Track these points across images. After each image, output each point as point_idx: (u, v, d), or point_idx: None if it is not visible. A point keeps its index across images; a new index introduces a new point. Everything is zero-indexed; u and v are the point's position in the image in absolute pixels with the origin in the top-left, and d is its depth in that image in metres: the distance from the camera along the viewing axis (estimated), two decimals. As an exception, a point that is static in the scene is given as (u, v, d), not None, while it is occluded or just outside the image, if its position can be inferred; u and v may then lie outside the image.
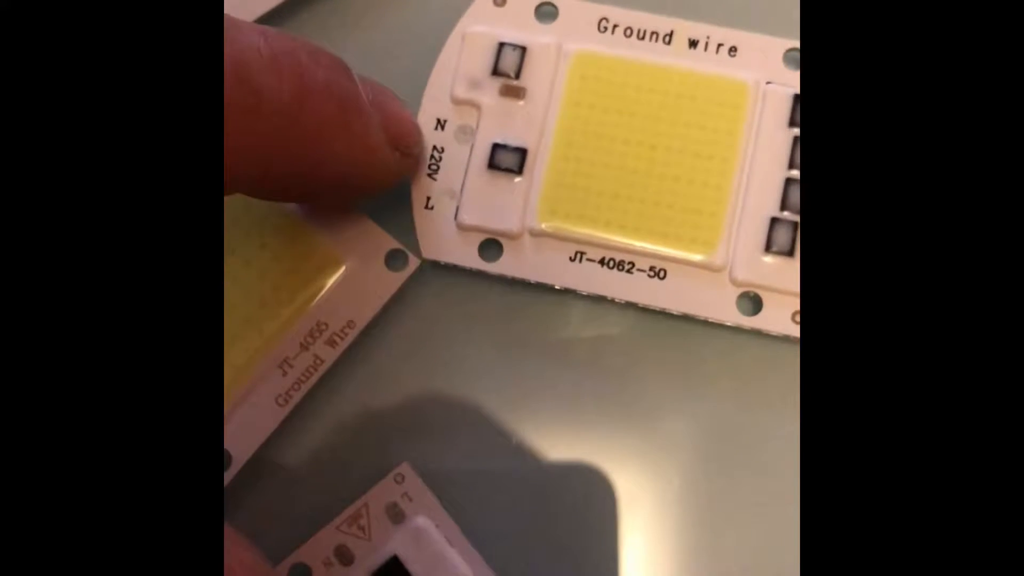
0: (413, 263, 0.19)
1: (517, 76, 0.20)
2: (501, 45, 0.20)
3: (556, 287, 0.19)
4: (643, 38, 0.20)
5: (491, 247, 0.19)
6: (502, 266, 0.19)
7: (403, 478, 0.19)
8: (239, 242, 0.19)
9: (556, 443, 0.19)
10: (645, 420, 0.19)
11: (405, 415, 0.19)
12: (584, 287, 0.19)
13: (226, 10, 0.19)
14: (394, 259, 0.19)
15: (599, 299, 0.19)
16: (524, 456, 0.19)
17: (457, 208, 0.19)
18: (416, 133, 0.19)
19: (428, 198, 0.19)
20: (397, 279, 0.19)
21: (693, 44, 0.20)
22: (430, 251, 0.19)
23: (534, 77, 0.20)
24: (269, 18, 0.20)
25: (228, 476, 0.18)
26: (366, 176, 0.18)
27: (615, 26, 0.20)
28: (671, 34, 0.20)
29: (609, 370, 0.19)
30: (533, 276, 0.19)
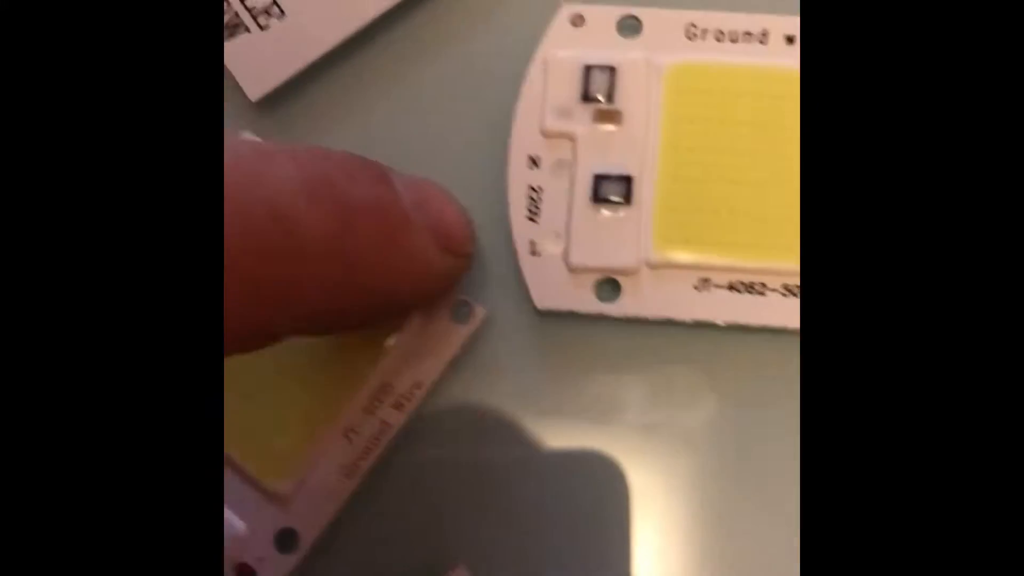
0: (479, 315, 0.18)
1: (610, 99, 0.18)
2: (588, 68, 0.18)
3: (687, 321, 0.18)
4: (736, 40, 0.18)
5: (607, 287, 0.18)
6: (622, 307, 0.18)
7: None
8: None
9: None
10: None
11: (464, 499, 0.18)
12: (715, 317, 0.18)
13: (294, 45, 0.18)
14: (459, 312, 0.18)
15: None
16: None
17: (566, 249, 0.18)
18: (466, 230, 0.17)
19: (532, 242, 0.18)
20: (462, 332, 0.18)
21: (790, 40, 0.18)
22: (543, 300, 0.18)
23: (628, 98, 0.18)
24: (338, 52, 0.19)
25: (296, 557, 0.17)
26: (417, 291, 0.16)
27: (704, 31, 0.18)
28: (765, 32, 0.18)
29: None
30: (657, 312, 0.18)
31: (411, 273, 0.15)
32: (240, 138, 0.14)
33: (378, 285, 0.15)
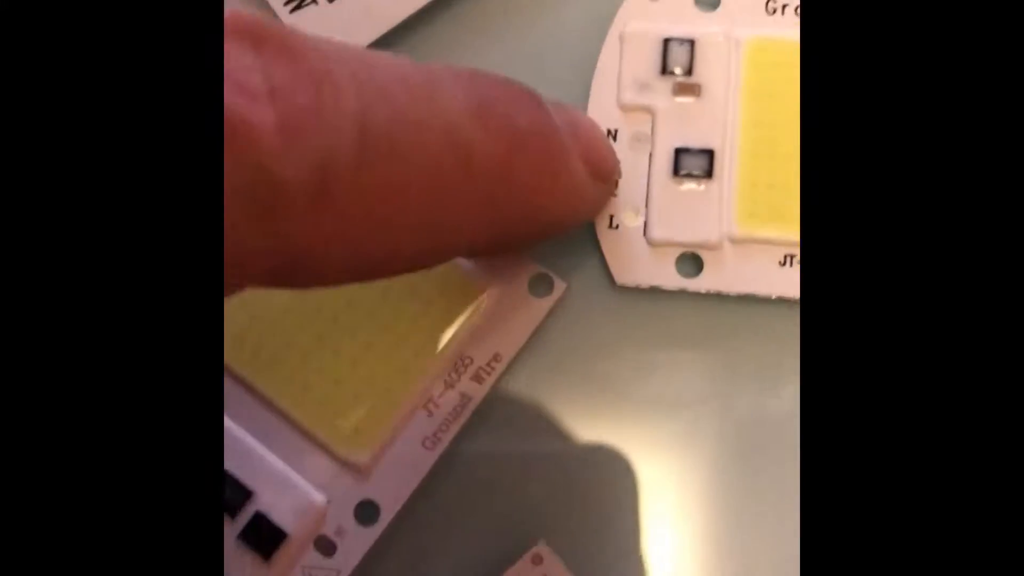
0: (559, 288, 0.18)
1: (689, 72, 0.18)
2: (667, 41, 0.18)
3: (771, 296, 0.17)
4: (816, 15, 0.18)
5: (688, 262, 0.18)
6: (704, 282, 0.18)
7: (541, 559, 0.17)
8: None
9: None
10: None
11: (547, 475, 0.18)
12: (799, 294, 0.17)
13: (362, 18, 0.18)
14: (538, 285, 0.18)
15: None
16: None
17: (645, 224, 0.18)
18: (613, 156, 0.17)
19: (611, 217, 0.18)
20: (543, 306, 0.18)
21: (870, 15, 0.18)
22: (623, 275, 0.18)
23: (708, 71, 0.18)
24: (404, 26, 0.19)
25: (378, 528, 0.17)
26: (572, 218, 0.16)
27: (784, 6, 0.18)
28: (845, 7, 0.18)
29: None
30: (740, 288, 0.17)
31: (568, 198, 0.15)
32: (400, 56, 0.13)
33: (539, 209, 0.15)
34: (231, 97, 0.11)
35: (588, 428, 0.18)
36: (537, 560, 0.17)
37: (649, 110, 0.18)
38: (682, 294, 0.18)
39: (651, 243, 0.18)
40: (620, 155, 0.18)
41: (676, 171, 0.18)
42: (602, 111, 0.18)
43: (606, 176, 0.16)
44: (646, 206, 0.18)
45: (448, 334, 0.18)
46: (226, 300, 0.12)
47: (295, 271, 0.13)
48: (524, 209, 0.15)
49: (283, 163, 0.11)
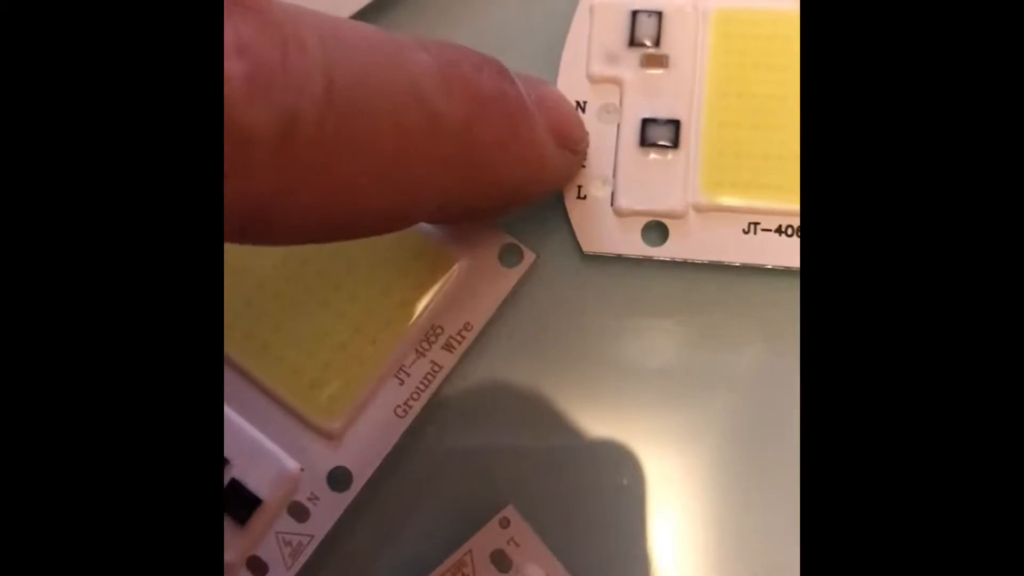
0: (528, 259, 0.18)
1: (657, 44, 0.18)
2: (635, 13, 0.18)
3: (735, 264, 0.18)
4: (782, -14, 0.18)
5: (654, 230, 0.18)
6: (669, 250, 0.18)
7: (508, 522, 0.17)
8: (343, 244, 0.18)
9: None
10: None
11: (517, 441, 0.18)
12: (764, 260, 0.18)
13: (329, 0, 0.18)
14: (508, 255, 0.18)
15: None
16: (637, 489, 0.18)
17: (613, 193, 0.18)
18: (581, 126, 0.17)
19: (579, 187, 0.18)
20: (512, 276, 0.18)
21: (837, -15, 0.18)
22: (590, 244, 0.18)
23: (675, 42, 0.18)
24: (380, 2, 0.19)
25: (350, 494, 0.17)
26: (538, 186, 0.17)
27: (751, -23, 0.18)
28: (812, -23, 0.18)
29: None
30: (704, 256, 0.18)
31: (532, 164, 0.16)
32: (370, 25, 0.14)
33: (502, 174, 0.15)
34: None
35: (557, 394, 0.18)
36: (504, 523, 0.17)
37: (617, 81, 0.18)
38: (649, 262, 0.18)
39: (618, 213, 0.18)
40: (589, 127, 0.18)
41: (643, 141, 0.18)
42: (572, 83, 0.18)
43: (572, 146, 0.17)
44: (613, 176, 0.18)
45: (420, 304, 0.18)
46: None
47: (259, 224, 0.13)
48: (487, 173, 0.15)
49: (249, 114, 0.11)
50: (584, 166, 0.18)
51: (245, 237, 0.13)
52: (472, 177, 0.15)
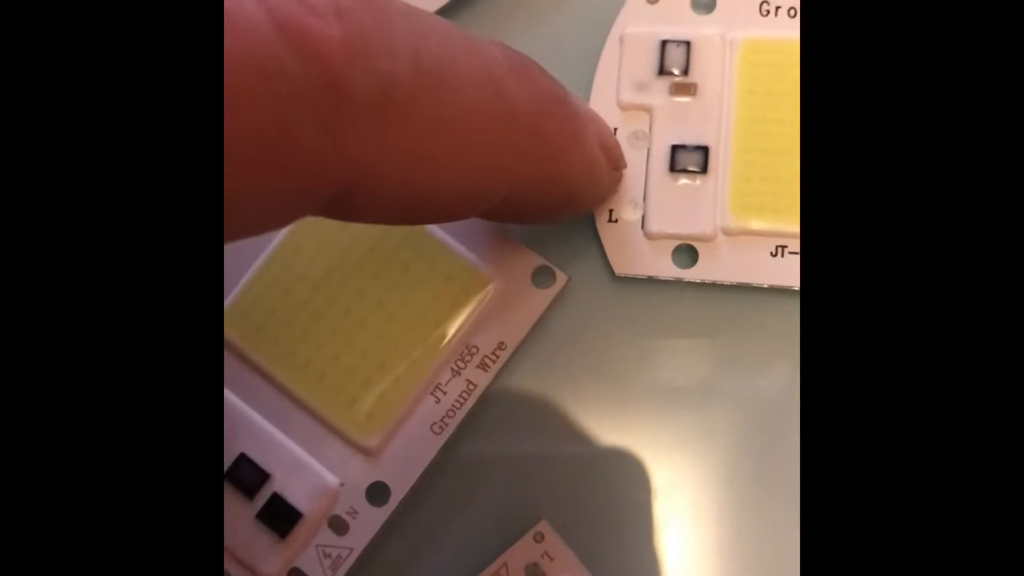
0: (560, 280, 0.19)
1: (685, 72, 0.19)
2: (664, 43, 0.19)
3: (763, 286, 0.18)
4: (807, 16, 0.19)
5: (684, 253, 0.18)
6: (699, 272, 0.18)
7: (542, 537, 0.18)
8: (381, 267, 0.19)
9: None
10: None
11: (550, 458, 0.18)
12: (790, 282, 0.18)
13: None
14: (541, 276, 0.19)
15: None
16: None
17: (643, 217, 0.18)
18: (619, 146, 0.18)
19: (611, 211, 0.19)
20: (545, 297, 0.19)
21: (860, 15, 0.19)
22: (622, 266, 0.18)
23: (703, 71, 0.19)
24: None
25: (388, 509, 0.18)
26: (590, 192, 0.17)
27: (777, 8, 0.19)
28: (836, 8, 0.19)
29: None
30: (733, 278, 0.18)
31: (589, 177, 0.16)
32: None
33: (565, 171, 0.16)
34: (301, 14, 0.11)
35: (589, 412, 0.18)
36: (539, 538, 0.17)
37: (647, 109, 0.19)
38: (678, 284, 0.18)
39: (648, 236, 0.18)
40: (619, 152, 0.19)
41: (672, 167, 0.18)
42: (602, 110, 0.19)
43: (615, 162, 0.17)
44: (644, 200, 0.18)
45: (455, 324, 0.18)
46: (287, 226, 0.11)
47: (358, 187, 0.13)
48: (552, 167, 0.15)
49: (350, 76, 0.12)
50: (616, 190, 0.19)
51: (336, 207, 0.13)
52: (539, 168, 0.15)
